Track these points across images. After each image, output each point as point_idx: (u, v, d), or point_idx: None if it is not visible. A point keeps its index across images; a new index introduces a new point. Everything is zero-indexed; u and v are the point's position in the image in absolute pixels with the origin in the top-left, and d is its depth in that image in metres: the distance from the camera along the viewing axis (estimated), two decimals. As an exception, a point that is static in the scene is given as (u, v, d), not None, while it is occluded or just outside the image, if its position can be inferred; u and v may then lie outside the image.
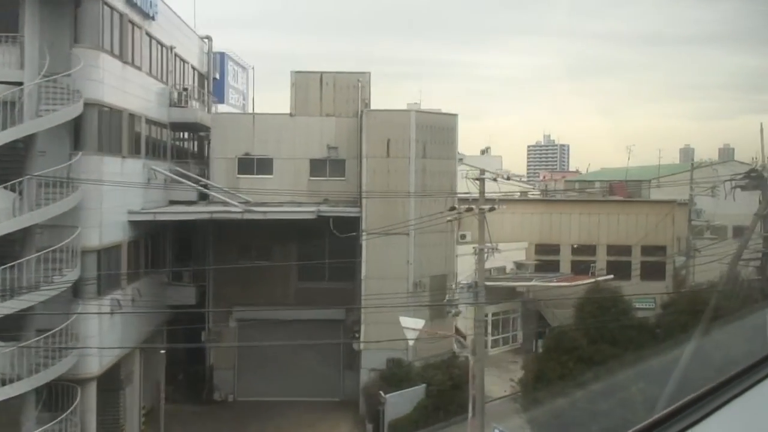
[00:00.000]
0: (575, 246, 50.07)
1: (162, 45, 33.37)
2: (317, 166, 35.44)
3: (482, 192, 25.62)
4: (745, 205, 69.26)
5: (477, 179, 25.98)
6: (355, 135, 34.58)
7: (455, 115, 36.01)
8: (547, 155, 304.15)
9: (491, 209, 25.58)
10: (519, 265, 48.83)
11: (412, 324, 26.68)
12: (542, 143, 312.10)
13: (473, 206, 25.98)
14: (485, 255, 26.77)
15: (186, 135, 38.06)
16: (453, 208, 25.69)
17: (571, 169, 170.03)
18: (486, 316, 46.73)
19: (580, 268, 49.77)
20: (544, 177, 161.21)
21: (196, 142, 39.07)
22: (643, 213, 50.51)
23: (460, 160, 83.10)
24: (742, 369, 2.27)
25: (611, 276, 48.93)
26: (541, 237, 50.35)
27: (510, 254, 49.13)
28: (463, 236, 50.30)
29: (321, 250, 35.89)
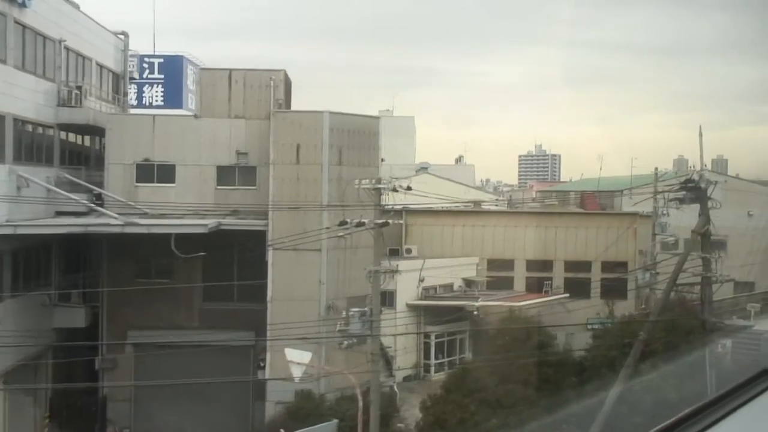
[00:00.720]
0: (530, 261, 46.30)
1: (45, 37, 29.62)
2: (225, 174, 31.61)
3: (378, 203, 21.89)
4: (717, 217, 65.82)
5: (374, 188, 22.20)
6: (267, 139, 30.78)
7: (377, 118, 32.18)
8: (539, 165, 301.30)
9: (384, 224, 21.77)
10: (468, 282, 44.96)
11: (298, 357, 22.85)
12: (534, 153, 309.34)
13: (366, 220, 22.15)
14: (383, 277, 22.85)
15: (84, 138, 34.22)
16: (343, 223, 22.02)
17: (562, 179, 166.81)
18: (429, 338, 43.10)
19: (535, 286, 46.03)
20: (531, 186, 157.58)
21: (96, 147, 35.22)
22: (604, 226, 46.74)
23: (425, 168, 79.50)
24: (739, 383, 2.25)
25: (566, 294, 45.26)
26: (494, 251, 46.56)
27: (459, 270, 45.35)
28: (409, 250, 46.57)
29: (229, 268, 32.09)
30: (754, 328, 30.35)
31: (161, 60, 63.75)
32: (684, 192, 23.72)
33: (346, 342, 22.18)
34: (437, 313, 41.63)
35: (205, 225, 27.26)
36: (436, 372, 41.94)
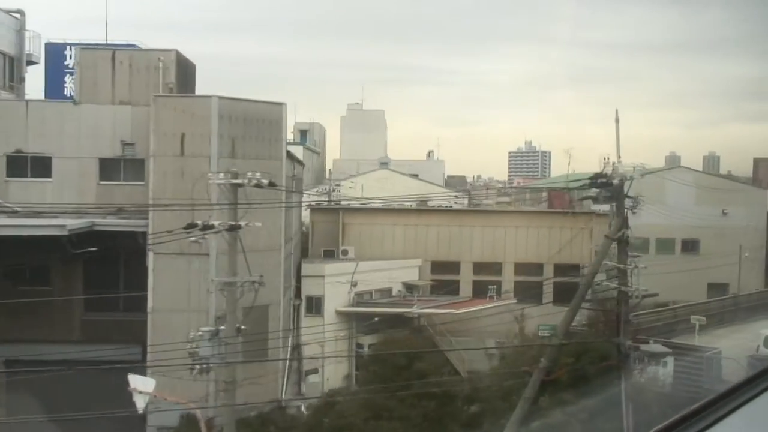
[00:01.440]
0: (478, 264, 42.56)
1: None
2: (109, 168, 27.75)
3: (235, 202, 18.08)
4: (681, 214, 61.99)
5: (229, 184, 18.36)
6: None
7: (281, 105, 28.30)
8: (528, 162, 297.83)
9: (235, 227, 17.96)
10: (409, 287, 41.23)
11: (141, 384, 19.08)
12: (523, 150, 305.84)
13: (217, 222, 18.31)
14: (246, 290, 19.01)
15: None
16: (192, 225, 18.23)
17: (553, 176, 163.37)
18: (361, 348, 39.36)
19: (483, 290, 42.33)
20: (517, 183, 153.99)
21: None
22: (557, 226, 43.03)
23: (385, 164, 75.70)
24: (742, 381, 2.24)
25: (514, 300, 41.56)
26: (438, 253, 42.82)
27: (400, 273, 41.63)
28: (345, 252, 42.80)
29: (114, 274, 28.31)
30: (703, 346, 26.71)
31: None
32: (599, 190, 19.88)
33: (197, 367, 18.35)
34: (376, 321, 37.90)
35: (64, 226, 23.41)
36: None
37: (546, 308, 41.47)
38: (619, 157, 19.18)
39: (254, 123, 27.11)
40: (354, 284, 38.14)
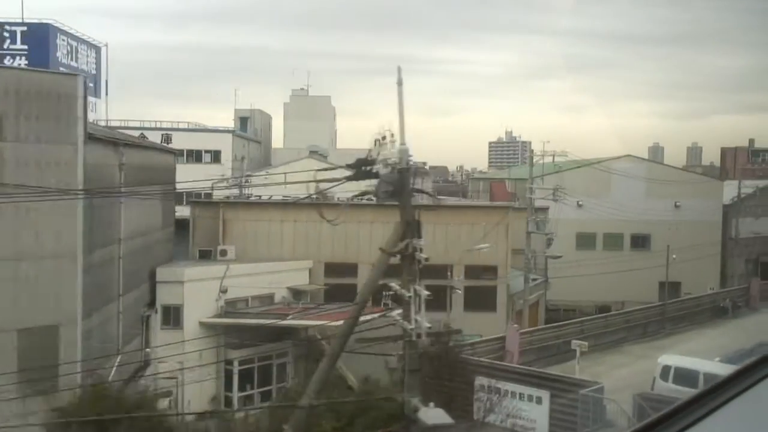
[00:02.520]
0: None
1: None
2: None
3: None
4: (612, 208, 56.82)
5: None
6: None
7: (74, 76, 22.56)
8: (509, 151, 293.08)
9: None
10: (296, 293, 35.73)
11: None
12: (504, 140, 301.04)
13: None
14: None
15: None
16: None
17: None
18: (231, 364, 33.88)
19: (383, 295, 36.91)
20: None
21: None
22: (468, 222, 37.59)
23: (315, 152, 70.14)
24: (738, 370, 2.22)
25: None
26: (334, 253, 37.36)
27: (287, 277, 36.15)
28: (224, 252, 37.26)
29: None
30: (584, 380, 21.28)
31: (24, 28, 54.48)
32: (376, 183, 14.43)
33: None
34: (253, 333, 32.43)
35: None
36: (242, 406, 32.80)
37: (452, 316, 36.17)
38: (404, 142, 13.55)
39: (35, 98, 21.46)
40: (224, 291, 32.65)
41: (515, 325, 32.42)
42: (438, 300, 36.18)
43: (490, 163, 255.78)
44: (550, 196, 37.70)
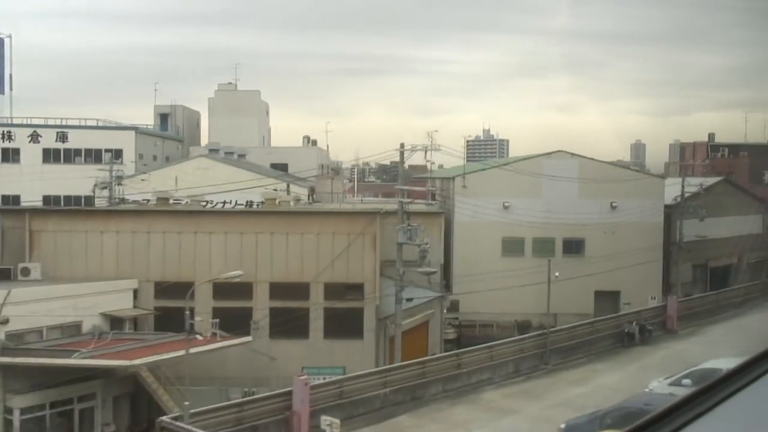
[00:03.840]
0: (220, 285, 30.53)
1: None
2: None
3: None
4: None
5: None
6: None
7: None
8: (486, 149, 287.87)
9: None
10: (114, 320, 29.10)
11: None
12: (481, 138, 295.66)
13: None
14: None
15: None
16: None
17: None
18: (11, 413, 27.25)
19: (225, 320, 30.35)
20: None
21: None
22: (328, 231, 31.01)
23: (215, 150, 63.51)
24: (741, 365, 2.21)
25: (249, 338, 29.62)
26: (165, 271, 30.74)
27: (104, 300, 29.53)
28: (26, 271, 30.57)
29: None
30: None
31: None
32: None
33: None
34: (47, 372, 25.82)
35: None
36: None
37: (310, 345, 29.75)
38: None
39: None
40: (4, 321, 26.02)
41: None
42: (296, 325, 29.80)
43: (468, 160, 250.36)
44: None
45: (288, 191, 44.88)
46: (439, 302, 36.07)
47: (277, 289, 30.09)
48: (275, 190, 45.84)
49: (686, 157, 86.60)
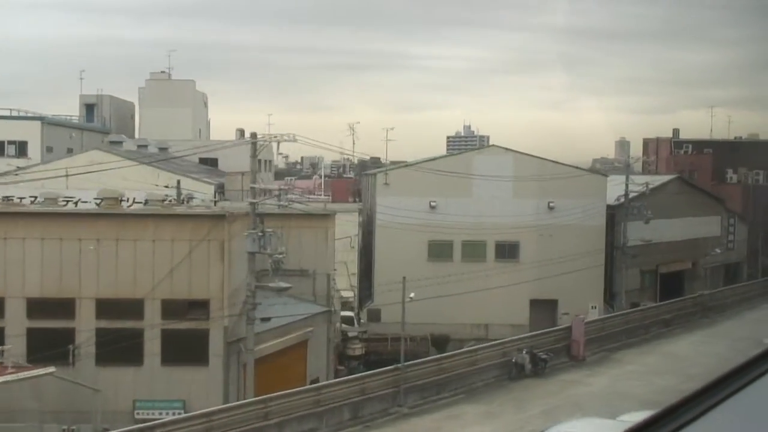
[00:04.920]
0: (36, 300, 25.38)
1: None
2: None
3: None
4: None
5: None
6: None
7: None
8: (467, 146, 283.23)
9: None
10: None
11: None
12: (462, 134, 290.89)
13: None
14: None
15: None
16: None
17: None
18: None
19: (42, 343, 25.24)
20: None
21: None
22: (167, 237, 25.81)
23: (118, 143, 58.22)
24: (738, 366, 2.18)
25: (52, 369, 24.53)
26: (43, 286, 25.46)
27: None
28: None
29: None
30: None
31: None
32: None
33: None
34: None
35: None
36: None
37: (145, 373, 24.63)
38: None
39: None
40: None
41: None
42: (128, 349, 24.75)
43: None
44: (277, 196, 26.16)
45: (179, 189, 39.57)
46: (326, 318, 30.99)
47: (105, 307, 24.92)
48: (166, 186, 40.61)
49: (649, 153, 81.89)
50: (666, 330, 32.59)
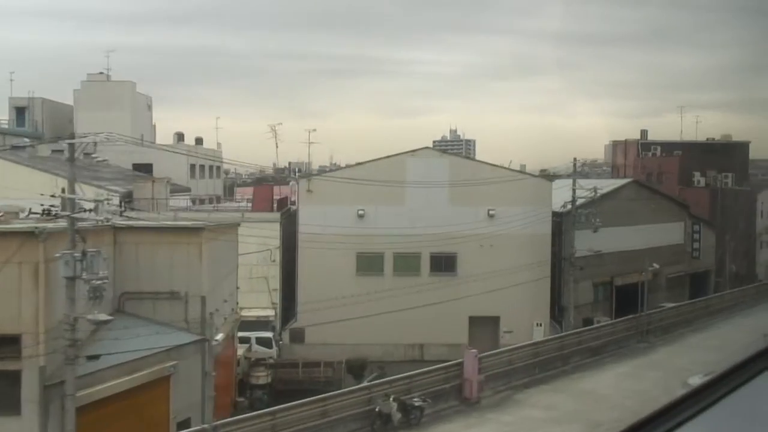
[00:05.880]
0: None
1: None
2: None
3: None
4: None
5: None
6: None
7: None
8: (453, 150, 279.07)
9: None
10: None
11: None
12: (448, 138, 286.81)
13: None
14: None
15: None
16: None
17: None
18: None
19: None
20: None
21: None
22: (-32, 259, 21.22)
23: (20, 147, 53.74)
24: (733, 366, 2.21)
25: None
26: None
27: None
28: None
29: None
30: None
31: None
32: None
33: None
34: None
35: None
36: None
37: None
38: None
39: None
40: None
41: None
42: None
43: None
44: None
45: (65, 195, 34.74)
46: (199, 348, 26.38)
47: None
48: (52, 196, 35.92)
49: (617, 155, 77.58)
50: (591, 360, 27.97)
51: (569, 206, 42.17)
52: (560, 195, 43.39)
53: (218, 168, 74.06)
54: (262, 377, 33.78)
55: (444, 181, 42.11)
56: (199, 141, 74.10)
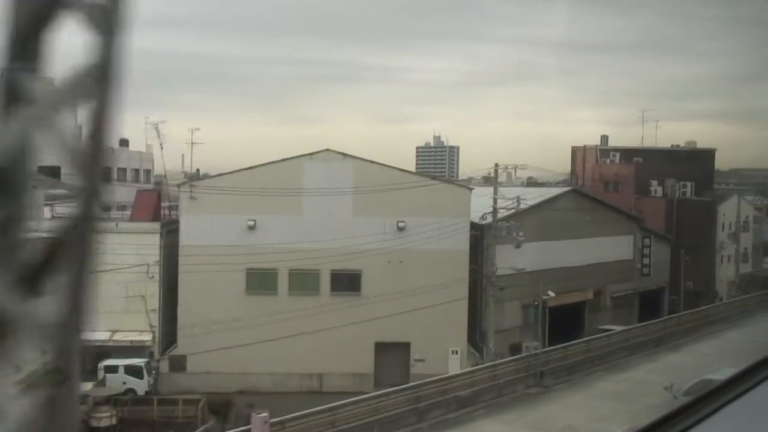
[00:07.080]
0: None
1: None
2: None
3: None
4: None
5: None
6: None
7: None
8: (437, 157, 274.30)
9: None
10: None
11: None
12: (432, 145, 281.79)
13: None
14: None
15: None
16: None
17: (461, 176, 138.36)
18: None
19: None
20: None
21: None
22: None
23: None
24: (734, 375, 2.19)
25: None
26: None
27: None
28: None
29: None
30: None
31: None
32: None
33: None
34: None
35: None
36: None
37: None
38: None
39: None
40: None
41: None
42: None
43: (417, 168, 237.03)
44: None
45: None
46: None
47: None
48: None
49: (576, 162, 72.25)
50: (457, 414, 22.41)
51: (489, 218, 36.78)
52: (481, 204, 38.06)
53: (147, 172, 68.28)
54: (104, 418, 28.21)
55: (347, 187, 36.72)
56: (123, 143, 68.46)
